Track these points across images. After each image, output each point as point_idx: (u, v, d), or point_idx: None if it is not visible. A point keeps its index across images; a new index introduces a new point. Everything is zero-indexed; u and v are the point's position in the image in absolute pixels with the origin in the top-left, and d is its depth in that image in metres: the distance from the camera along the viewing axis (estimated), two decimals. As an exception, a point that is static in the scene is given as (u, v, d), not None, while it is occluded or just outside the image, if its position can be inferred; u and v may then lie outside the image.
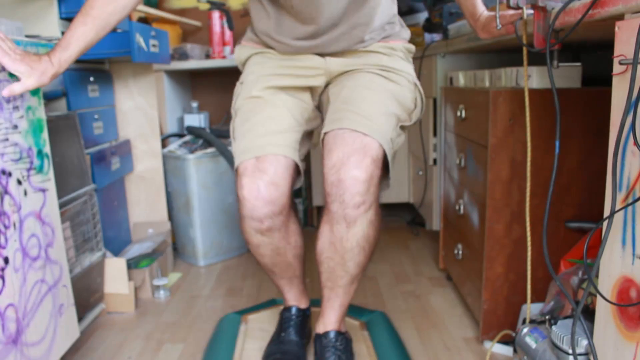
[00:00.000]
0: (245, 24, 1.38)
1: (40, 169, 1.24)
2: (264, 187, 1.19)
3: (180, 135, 2.42)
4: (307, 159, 2.59)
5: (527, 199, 1.18)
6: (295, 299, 1.43)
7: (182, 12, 2.80)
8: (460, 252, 1.68)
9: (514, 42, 1.24)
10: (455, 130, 1.74)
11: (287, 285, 1.40)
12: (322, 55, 1.29)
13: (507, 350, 1.43)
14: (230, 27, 2.45)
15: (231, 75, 1.39)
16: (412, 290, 1.89)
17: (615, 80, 0.82)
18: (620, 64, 0.79)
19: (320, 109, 1.37)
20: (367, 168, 1.13)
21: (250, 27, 1.37)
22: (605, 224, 0.82)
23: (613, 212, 0.81)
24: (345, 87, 1.26)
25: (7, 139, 1.10)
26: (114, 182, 1.95)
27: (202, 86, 2.88)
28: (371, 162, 1.14)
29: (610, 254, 0.85)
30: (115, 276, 1.75)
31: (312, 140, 1.41)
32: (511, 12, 1.13)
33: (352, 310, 1.57)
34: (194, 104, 2.61)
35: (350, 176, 1.12)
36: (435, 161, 2.17)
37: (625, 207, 0.80)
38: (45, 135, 1.27)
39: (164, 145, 2.29)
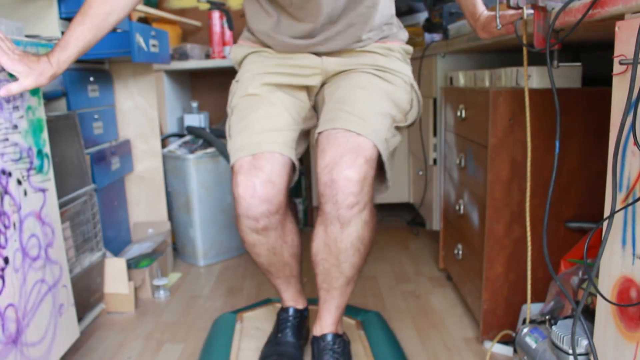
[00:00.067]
0: (245, 24, 1.38)
1: (40, 169, 1.24)
2: (260, 185, 1.17)
3: (180, 135, 2.42)
4: (307, 158, 2.60)
5: (527, 199, 1.18)
6: (292, 299, 1.42)
7: (182, 12, 2.79)
8: (460, 252, 1.68)
9: (514, 42, 1.24)
10: (455, 130, 1.74)
11: (283, 285, 1.39)
12: (318, 54, 1.28)
13: (507, 350, 1.43)
14: (230, 27, 2.45)
15: (231, 75, 1.39)
16: (412, 290, 1.89)
17: (615, 80, 0.81)
18: (620, 64, 0.79)
19: (316, 109, 1.36)
20: (361, 168, 1.11)
21: (246, 27, 1.37)
22: (605, 224, 0.82)
23: (613, 212, 0.81)
24: (340, 87, 1.25)
25: (7, 139, 1.10)
26: (114, 182, 1.95)
27: (202, 86, 2.88)
28: (364, 162, 1.12)
29: (610, 254, 0.85)
30: (115, 276, 1.75)
31: (309, 140, 1.40)
32: (511, 12, 1.13)
33: (348, 309, 1.57)
34: (194, 104, 2.61)
35: (343, 176, 1.11)
36: (435, 161, 2.17)
37: (625, 207, 0.80)
38: (45, 135, 1.27)
39: (164, 145, 2.29)
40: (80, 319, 1.51)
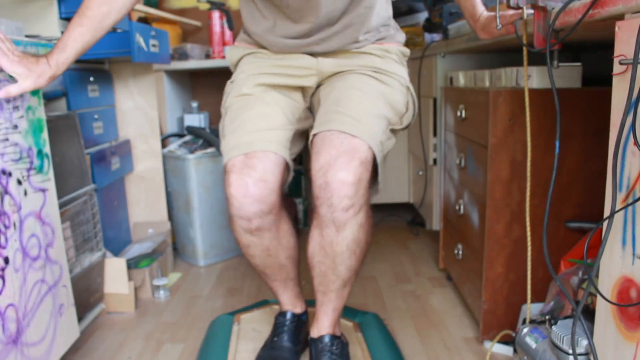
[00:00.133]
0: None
1: (40, 169, 1.24)
2: (252, 184, 1.15)
3: (180, 135, 2.42)
4: (308, 157, 2.60)
5: (527, 199, 1.18)
6: (289, 302, 1.40)
7: (182, 12, 2.79)
8: (460, 252, 1.68)
9: (514, 42, 1.24)
10: (455, 130, 1.74)
11: (280, 288, 1.37)
12: (314, 55, 1.27)
13: (507, 350, 1.43)
14: (230, 27, 2.45)
15: (231, 75, 1.39)
16: (412, 290, 1.89)
17: (615, 80, 0.82)
18: (621, 64, 0.79)
19: (312, 110, 1.35)
20: (355, 170, 1.10)
21: (242, 28, 1.36)
22: (605, 224, 0.82)
23: (613, 212, 0.81)
24: (336, 88, 1.24)
25: (7, 139, 1.10)
26: (114, 182, 1.95)
27: (202, 86, 2.88)
28: (359, 164, 1.10)
29: (610, 254, 0.85)
30: (115, 276, 1.75)
31: (305, 141, 1.39)
32: (511, 12, 1.13)
33: (345, 311, 1.57)
34: (194, 104, 2.61)
35: (337, 179, 1.09)
36: (435, 161, 2.17)
37: (625, 207, 0.80)
38: (45, 135, 1.27)
39: (164, 145, 2.29)
40: (80, 319, 1.51)
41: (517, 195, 1.37)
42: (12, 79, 1.08)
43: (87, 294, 1.62)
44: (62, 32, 1.17)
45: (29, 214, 1.18)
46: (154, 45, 1.87)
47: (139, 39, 1.74)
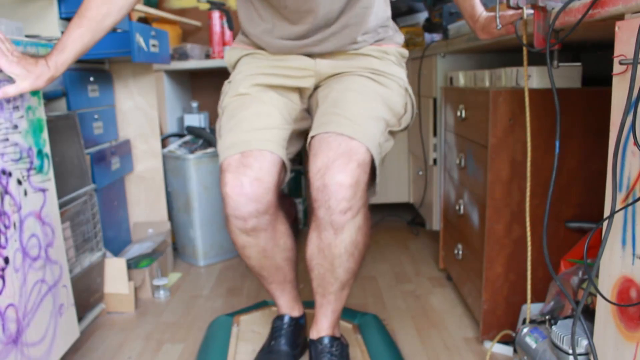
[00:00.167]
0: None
1: (40, 169, 1.24)
2: (247, 183, 1.14)
3: (180, 135, 2.42)
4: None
5: (527, 199, 1.18)
6: (287, 306, 1.38)
7: (182, 12, 2.80)
8: (460, 252, 1.68)
9: (514, 42, 1.24)
10: (455, 130, 1.74)
11: (278, 290, 1.36)
12: (312, 56, 1.26)
13: (507, 350, 1.43)
14: (230, 27, 2.45)
15: (230, 75, 1.39)
16: (412, 290, 1.89)
17: (615, 80, 0.82)
18: (620, 64, 0.79)
19: (309, 112, 1.34)
20: (353, 172, 1.08)
21: (240, 30, 1.35)
22: (605, 224, 0.82)
23: (613, 212, 0.81)
24: (334, 90, 1.23)
25: (7, 139, 1.10)
26: (114, 182, 1.95)
27: (202, 86, 2.89)
28: (357, 166, 1.09)
29: (610, 254, 0.85)
30: (115, 276, 1.75)
31: (303, 141, 1.37)
32: (511, 12, 1.13)
33: (345, 312, 1.56)
34: (194, 104, 2.61)
35: (335, 181, 1.08)
36: (435, 161, 2.17)
37: (625, 207, 0.80)
38: (45, 135, 1.27)
39: (164, 145, 2.29)
40: (80, 319, 1.51)
41: (517, 195, 1.37)
42: (11, 80, 1.08)
43: (87, 294, 1.62)
44: (62, 33, 1.16)
45: (29, 214, 1.18)
46: (154, 45, 1.87)
47: (139, 39, 1.74)
